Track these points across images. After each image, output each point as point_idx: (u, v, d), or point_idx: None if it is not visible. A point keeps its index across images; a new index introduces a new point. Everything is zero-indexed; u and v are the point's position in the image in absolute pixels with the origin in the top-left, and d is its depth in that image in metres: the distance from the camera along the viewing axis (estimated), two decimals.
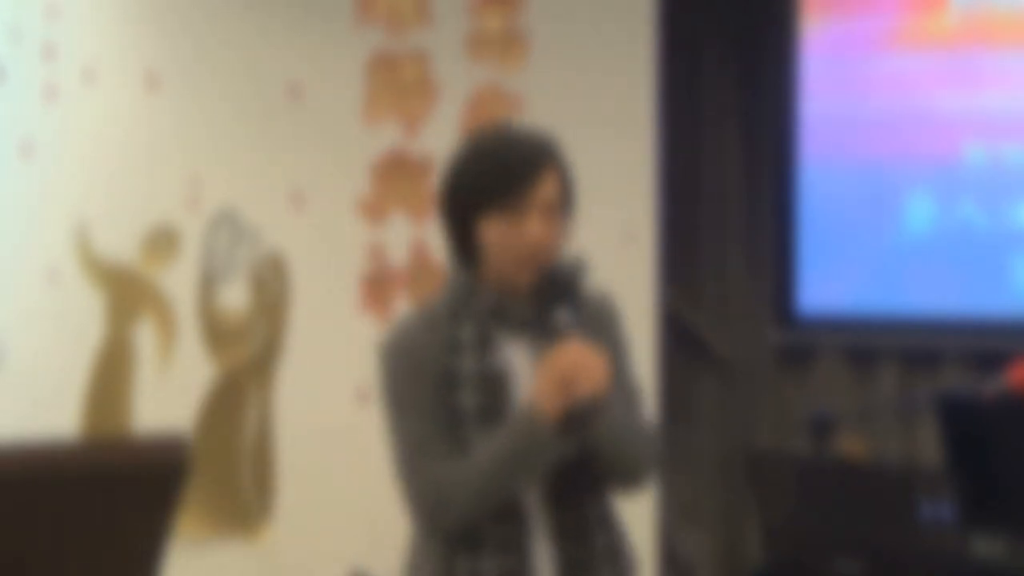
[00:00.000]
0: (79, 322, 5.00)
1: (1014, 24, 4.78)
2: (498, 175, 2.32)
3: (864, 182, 5.01)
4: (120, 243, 4.99)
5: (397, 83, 4.81)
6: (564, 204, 2.36)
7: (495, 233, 2.32)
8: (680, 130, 5.06)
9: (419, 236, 4.81)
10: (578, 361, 2.21)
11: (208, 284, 4.93)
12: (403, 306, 4.81)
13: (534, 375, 2.26)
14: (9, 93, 5.11)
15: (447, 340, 2.34)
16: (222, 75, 4.91)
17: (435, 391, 2.33)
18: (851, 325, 5.10)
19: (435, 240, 4.79)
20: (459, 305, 2.37)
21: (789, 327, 5.16)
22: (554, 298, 2.29)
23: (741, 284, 5.28)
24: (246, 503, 4.87)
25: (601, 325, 2.39)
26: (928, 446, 4.74)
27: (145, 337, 4.97)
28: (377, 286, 4.82)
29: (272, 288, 4.89)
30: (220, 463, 4.86)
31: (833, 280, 5.09)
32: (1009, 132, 4.76)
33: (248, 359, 4.90)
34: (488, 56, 4.76)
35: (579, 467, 2.31)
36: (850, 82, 5.03)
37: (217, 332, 4.92)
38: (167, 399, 4.90)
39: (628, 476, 2.38)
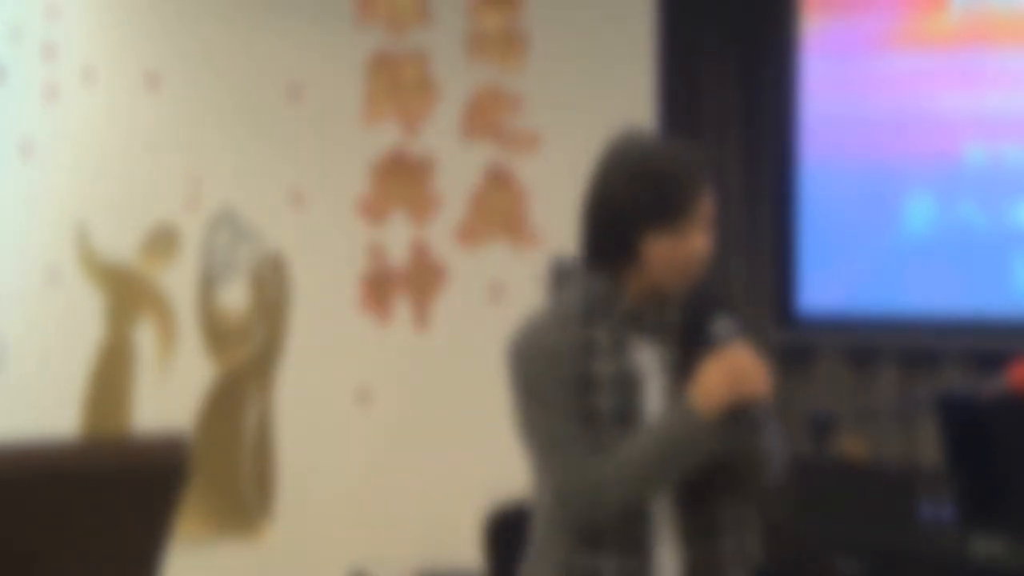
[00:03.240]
0: (79, 322, 5.00)
1: (1014, 24, 4.78)
2: (669, 193, 2.32)
3: (864, 182, 5.01)
4: (120, 243, 4.99)
5: (397, 83, 4.81)
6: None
7: (663, 248, 2.33)
8: (680, 130, 5.06)
9: (419, 236, 4.81)
10: (747, 364, 2.27)
11: (208, 284, 4.93)
12: (403, 306, 4.81)
13: (699, 373, 2.29)
14: (9, 93, 5.11)
15: (582, 342, 2.35)
16: (222, 75, 4.91)
17: (571, 392, 2.34)
18: (851, 325, 5.10)
19: (435, 240, 4.80)
20: (594, 308, 2.37)
21: (789, 327, 5.16)
22: (710, 308, 2.34)
23: (741, 284, 5.28)
24: (246, 503, 4.87)
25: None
26: (928, 446, 4.74)
27: (145, 337, 4.98)
28: (377, 286, 4.82)
29: (272, 288, 4.89)
30: (220, 463, 4.86)
31: (833, 280, 5.09)
32: (1009, 132, 4.76)
33: (248, 359, 4.90)
34: (488, 56, 4.76)
35: (710, 468, 2.32)
36: (850, 82, 5.03)
37: (217, 332, 4.92)
38: (167, 399, 4.90)
39: (760, 480, 2.41)
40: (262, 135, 4.88)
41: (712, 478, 2.33)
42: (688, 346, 2.34)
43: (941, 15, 4.90)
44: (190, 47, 4.94)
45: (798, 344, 5.16)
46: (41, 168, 5.07)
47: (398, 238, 4.81)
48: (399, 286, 4.81)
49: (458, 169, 4.77)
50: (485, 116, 4.75)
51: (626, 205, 2.34)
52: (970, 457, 4.10)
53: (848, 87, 5.04)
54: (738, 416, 2.26)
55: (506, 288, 4.61)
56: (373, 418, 4.80)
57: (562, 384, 2.34)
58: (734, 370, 2.26)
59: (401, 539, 4.71)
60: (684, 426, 2.28)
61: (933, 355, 4.90)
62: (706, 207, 2.34)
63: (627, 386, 2.32)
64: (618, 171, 2.36)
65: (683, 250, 2.33)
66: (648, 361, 2.35)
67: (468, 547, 4.07)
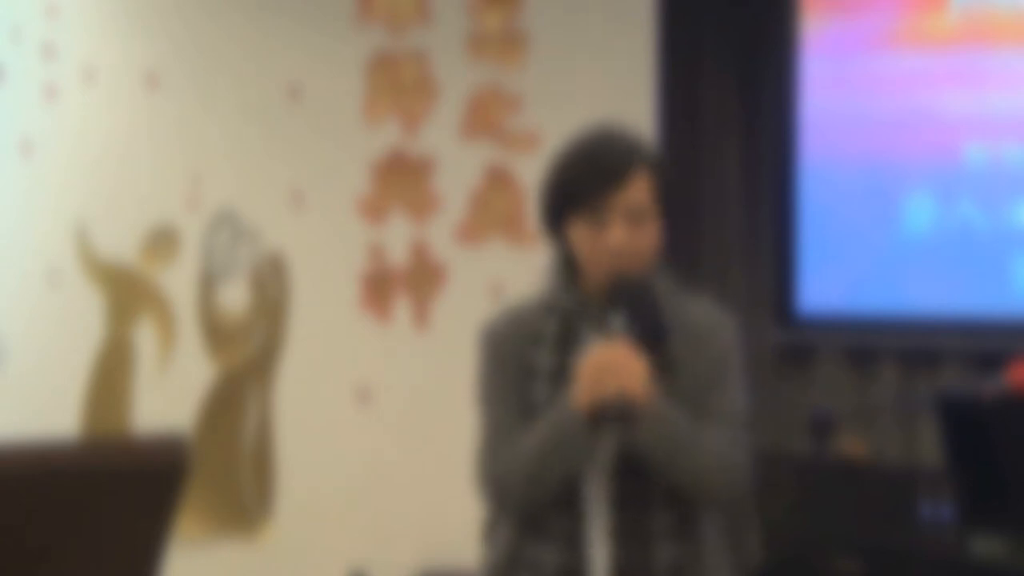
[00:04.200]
0: (79, 322, 5.01)
1: (1014, 24, 4.78)
2: (585, 178, 2.32)
3: (864, 182, 5.01)
4: (120, 243, 4.99)
5: (397, 83, 4.81)
6: (657, 207, 2.34)
7: (580, 236, 2.33)
8: (680, 130, 5.06)
9: (419, 236, 4.81)
10: (613, 361, 2.21)
11: (208, 284, 4.93)
12: (403, 306, 4.81)
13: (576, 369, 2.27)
14: (9, 93, 5.12)
15: (532, 333, 2.37)
16: (222, 75, 4.91)
17: (513, 382, 2.36)
18: (851, 325, 5.10)
19: (435, 240, 4.80)
20: (551, 300, 2.39)
21: (789, 327, 5.16)
22: (614, 302, 2.29)
23: (741, 284, 5.28)
24: (246, 503, 4.87)
25: (699, 348, 2.36)
26: (928, 446, 4.74)
27: (145, 337, 4.98)
28: (377, 286, 4.82)
29: (272, 288, 4.89)
30: (220, 463, 4.86)
31: (833, 280, 5.09)
32: (1009, 132, 4.76)
33: (248, 359, 4.90)
34: (488, 56, 4.76)
35: (646, 475, 2.29)
36: (850, 82, 5.03)
37: (217, 332, 4.92)
38: (167, 399, 4.90)
39: (694, 490, 2.34)
40: (262, 135, 4.88)
41: (645, 484, 2.30)
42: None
43: (941, 15, 4.90)
44: (190, 47, 4.94)
45: (798, 344, 5.16)
46: (41, 168, 5.07)
47: (398, 238, 4.81)
48: (399, 286, 4.81)
49: (458, 169, 4.77)
50: (485, 116, 4.75)
51: (550, 192, 2.38)
52: (970, 457, 4.10)
53: (848, 87, 5.04)
54: (605, 413, 2.20)
55: (506, 288, 4.61)
56: (373, 418, 4.80)
57: (504, 373, 2.37)
58: (600, 366, 2.21)
59: (401, 539, 4.71)
60: (557, 424, 2.26)
61: (933, 355, 4.90)
62: (630, 198, 2.30)
63: (565, 380, 2.29)
64: (556, 157, 2.40)
65: (599, 241, 2.31)
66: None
67: (468, 547, 4.07)
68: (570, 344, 2.33)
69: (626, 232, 2.30)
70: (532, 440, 2.30)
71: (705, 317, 2.42)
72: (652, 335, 2.28)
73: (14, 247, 5.08)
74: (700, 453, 2.30)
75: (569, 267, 2.39)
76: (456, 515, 4.38)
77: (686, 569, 2.36)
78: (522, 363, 2.36)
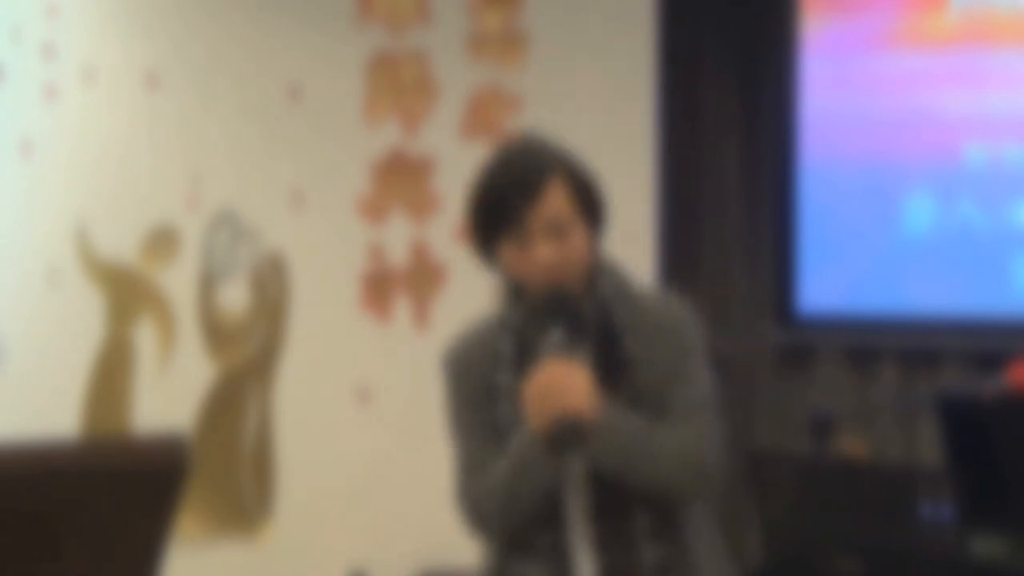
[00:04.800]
0: (79, 322, 5.01)
1: (1014, 24, 4.78)
2: (499, 202, 2.29)
3: (864, 182, 5.01)
4: (120, 243, 4.99)
5: (397, 83, 4.81)
6: (581, 213, 2.29)
7: (510, 259, 2.30)
8: (680, 130, 5.06)
9: (419, 236, 4.81)
10: (554, 381, 2.16)
11: (208, 284, 4.93)
12: (403, 306, 4.81)
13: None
14: (9, 93, 5.12)
15: (491, 354, 2.35)
16: (222, 75, 4.91)
17: (479, 406, 2.35)
18: (851, 325, 5.10)
19: (435, 240, 4.80)
20: (504, 319, 2.37)
21: (789, 327, 5.16)
22: (546, 318, 2.24)
23: (741, 284, 5.28)
24: (246, 503, 4.87)
25: (658, 344, 2.33)
26: (928, 446, 4.74)
27: (145, 337, 4.98)
28: (377, 286, 4.82)
29: (272, 288, 4.89)
30: (220, 463, 4.86)
31: (833, 280, 5.09)
32: (1009, 132, 4.76)
33: (248, 359, 4.90)
34: (488, 56, 4.76)
35: (620, 480, 2.27)
36: (850, 82, 5.03)
37: (217, 332, 4.92)
38: (167, 399, 4.90)
39: (662, 493, 2.31)
40: (262, 135, 4.88)
41: (621, 489, 2.27)
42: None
43: (941, 15, 4.90)
44: (190, 47, 4.94)
45: (798, 344, 5.16)
46: (41, 168, 5.07)
47: (398, 238, 4.81)
48: (399, 286, 4.81)
49: (458, 169, 4.77)
50: (485, 116, 4.75)
51: (473, 216, 2.35)
52: (970, 457, 4.10)
53: (848, 87, 5.04)
54: (558, 435, 2.15)
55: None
56: (373, 418, 4.80)
57: (470, 398, 2.37)
58: (543, 390, 2.16)
59: (401, 539, 4.71)
60: (521, 447, 2.24)
61: (933, 355, 4.90)
62: (546, 212, 2.25)
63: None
64: (471, 187, 2.36)
65: (525, 259, 2.27)
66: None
67: (468, 547, 4.07)
68: (526, 361, 2.28)
69: (550, 247, 2.26)
70: (502, 466, 2.29)
71: (660, 312, 2.37)
72: (609, 343, 2.27)
73: (14, 247, 5.08)
74: (658, 455, 2.27)
75: (514, 283, 2.36)
76: (456, 515, 4.38)
77: (672, 570, 2.34)
78: (486, 385, 2.34)
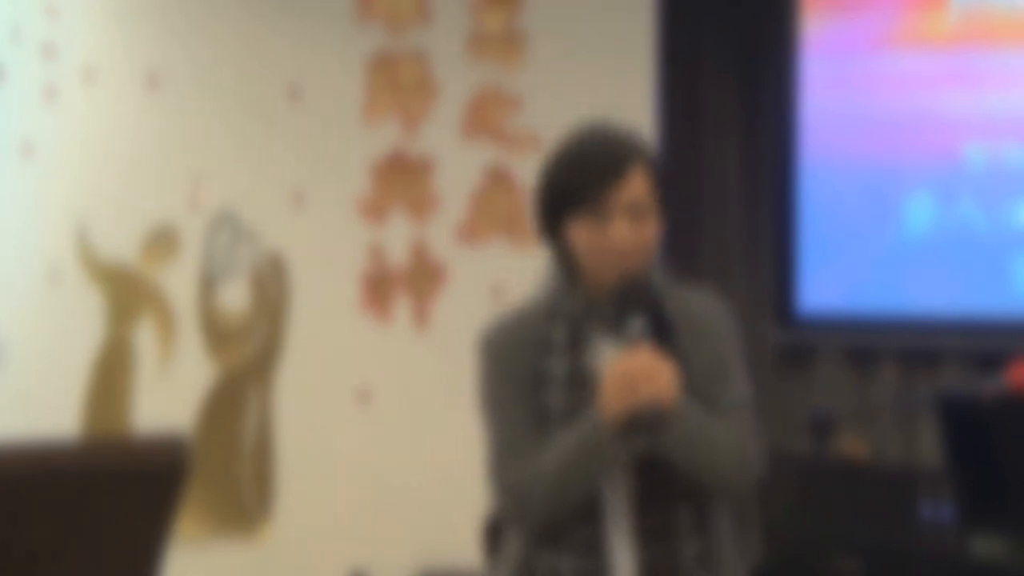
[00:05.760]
0: (79, 322, 5.00)
1: (1014, 24, 4.78)
2: (582, 176, 2.30)
3: (864, 182, 5.01)
4: (120, 243, 4.99)
5: (397, 83, 4.81)
6: (657, 202, 2.33)
7: (581, 236, 2.30)
8: (680, 130, 5.06)
9: (419, 236, 4.81)
10: (643, 368, 2.18)
11: (208, 284, 4.93)
12: (403, 306, 4.81)
13: (602, 378, 2.24)
14: (9, 93, 5.11)
15: (539, 340, 2.34)
16: (222, 75, 4.91)
17: (523, 391, 2.33)
18: (851, 325, 5.10)
19: (435, 240, 4.80)
20: (555, 305, 2.36)
21: (789, 327, 5.16)
22: (629, 305, 2.26)
23: (741, 284, 5.28)
24: (246, 503, 4.88)
25: (702, 338, 2.35)
26: (928, 446, 4.74)
27: (145, 337, 4.97)
28: (377, 286, 4.82)
29: (272, 288, 4.89)
30: (220, 463, 4.86)
31: (833, 280, 5.09)
32: (1009, 132, 4.76)
33: (248, 359, 4.90)
34: (488, 56, 4.76)
35: (667, 472, 2.28)
36: (850, 82, 5.03)
37: (217, 332, 4.92)
38: (167, 399, 4.90)
39: (713, 485, 2.34)
40: (262, 135, 4.88)
41: (666, 481, 2.29)
42: (621, 345, 2.27)
43: (941, 15, 4.90)
44: (190, 47, 4.94)
45: (798, 344, 5.16)
46: (41, 168, 5.07)
47: (398, 238, 4.81)
48: (399, 286, 4.81)
49: (458, 169, 4.78)
50: (485, 116, 4.75)
51: (547, 192, 2.35)
52: (970, 457, 4.10)
53: (848, 87, 5.04)
54: (641, 422, 2.19)
55: (506, 288, 4.61)
56: (373, 418, 4.80)
57: (513, 382, 2.34)
58: (630, 375, 2.18)
59: (401, 539, 4.71)
60: (586, 436, 2.24)
61: (933, 355, 4.90)
62: (629, 194, 2.28)
63: (580, 385, 2.28)
64: (549, 158, 2.38)
65: (602, 238, 2.28)
66: (605, 358, 2.28)
67: (468, 547, 4.07)
68: (580, 349, 2.31)
69: (629, 228, 2.28)
70: (556, 453, 2.27)
71: (704, 309, 2.41)
72: (665, 336, 2.27)
73: (15, 247, 5.08)
74: (720, 450, 2.30)
75: (570, 269, 2.38)
76: (456, 515, 4.38)
77: (705, 562, 2.37)
78: (532, 371, 2.33)
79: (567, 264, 2.37)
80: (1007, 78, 4.76)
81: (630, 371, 2.19)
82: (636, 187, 2.30)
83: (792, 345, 5.17)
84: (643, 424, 2.19)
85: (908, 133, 4.92)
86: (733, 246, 5.30)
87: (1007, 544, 3.94)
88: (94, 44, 5.04)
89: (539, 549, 2.35)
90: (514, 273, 4.61)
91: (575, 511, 2.30)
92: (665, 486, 2.30)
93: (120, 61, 5.01)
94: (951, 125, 4.85)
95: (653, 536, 2.30)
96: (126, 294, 5.00)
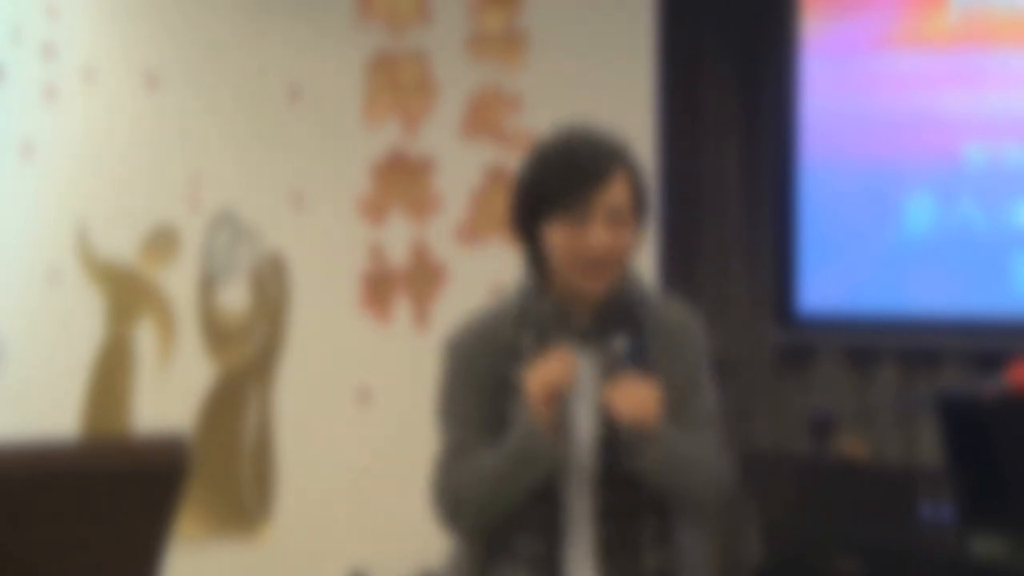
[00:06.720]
0: (79, 322, 5.00)
1: (1014, 24, 4.78)
2: (563, 179, 2.27)
3: (864, 182, 5.01)
4: (120, 243, 4.99)
5: (397, 83, 4.81)
6: (636, 210, 2.31)
7: (559, 238, 2.28)
8: (680, 130, 5.07)
9: (419, 236, 4.81)
10: (626, 393, 2.20)
11: (208, 284, 4.93)
12: (403, 306, 4.81)
13: (525, 390, 2.24)
14: (9, 93, 5.11)
15: (506, 346, 2.32)
16: (222, 75, 4.91)
17: (483, 397, 2.32)
18: (851, 325, 5.10)
19: (435, 240, 4.80)
20: (524, 311, 2.34)
21: (789, 327, 5.16)
22: (613, 323, 2.27)
23: (741, 284, 5.28)
24: (246, 503, 4.87)
25: (675, 352, 2.34)
26: (928, 446, 4.74)
27: (145, 337, 4.97)
28: (377, 286, 4.82)
29: (272, 288, 4.89)
30: (220, 463, 4.86)
31: (833, 280, 5.09)
32: (1009, 132, 4.76)
33: (248, 359, 4.90)
34: (488, 56, 4.76)
35: (633, 484, 2.26)
36: (850, 82, 5.03)
37: (217, 332, 4.92)
38: (167, 399, 4.90)
39: (688, 503, 2.33)
40: (262, 135, 4.87)
41: (632, 493, 2.27)
42: (599, 355, 2.27)
43: (941, 15, 4.90)
44: (190, 47, 4.94)
45: (798, 344, 5.16)
46: (41, 168, 5.06)
47: (398, 238, 4.81)
48: (399, 286, 4.81)
49: (458, 169, 4.78)
50: (485, 116, 4.75)
51: (525, 194, 2.33)
52: (970, 457, 4.10)
53: (848, 87, 5.04)
54: (615, 442, 2.20)
55: (506, 288, 4.60)
56: (373, 418, 4.80)
57: (472, 387, 2.33)
58: (551, 381, 2.21)
59: (401, 539, 4.71)
60: (520, 440, 2.23)
61: (933, 355, 4.90)
62: (610, 198, 2.27)
63: None
64: (526, 162, 2.36)
65: (580, 242, 2.26)
66: (582, 369, 2.27)
67: None
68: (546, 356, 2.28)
69: (607, 232, 2.26)
70: (491, 460, 2.26)
71: (678, 323, 2.39)
72: (642, 355, 2.28)
73: (14, 247, 5.08)
74: (697, 470, 2.30)
75: (540, 273, 2.35)
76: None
77: (667, 575, 2.34)
78: (496, 378, 2.31)
79: (538, 268, 2.35)
80: (1007, 78, 4.76)
81: (549, 376, 2.19)
82: (617, 193, 2.28)
83: (792, 345, 5.17)
84: (624, 448, 2.19)
85: (908, 133, 4.92)
86: (733, 246, 5.30)
87: (1007, 544, 3.94)
88: (94, 44, 5.04)
89: (489, 564, 2.32)
90: (514, 273, 4.59)
91: (532, 524, 2.27)
92: (630, 498, 2.28)
93: (120, 61, 5.01)
94: (951, 125, 4.85)
95: (617, 550, 2.28)
96: (126, 294, 5.00)
